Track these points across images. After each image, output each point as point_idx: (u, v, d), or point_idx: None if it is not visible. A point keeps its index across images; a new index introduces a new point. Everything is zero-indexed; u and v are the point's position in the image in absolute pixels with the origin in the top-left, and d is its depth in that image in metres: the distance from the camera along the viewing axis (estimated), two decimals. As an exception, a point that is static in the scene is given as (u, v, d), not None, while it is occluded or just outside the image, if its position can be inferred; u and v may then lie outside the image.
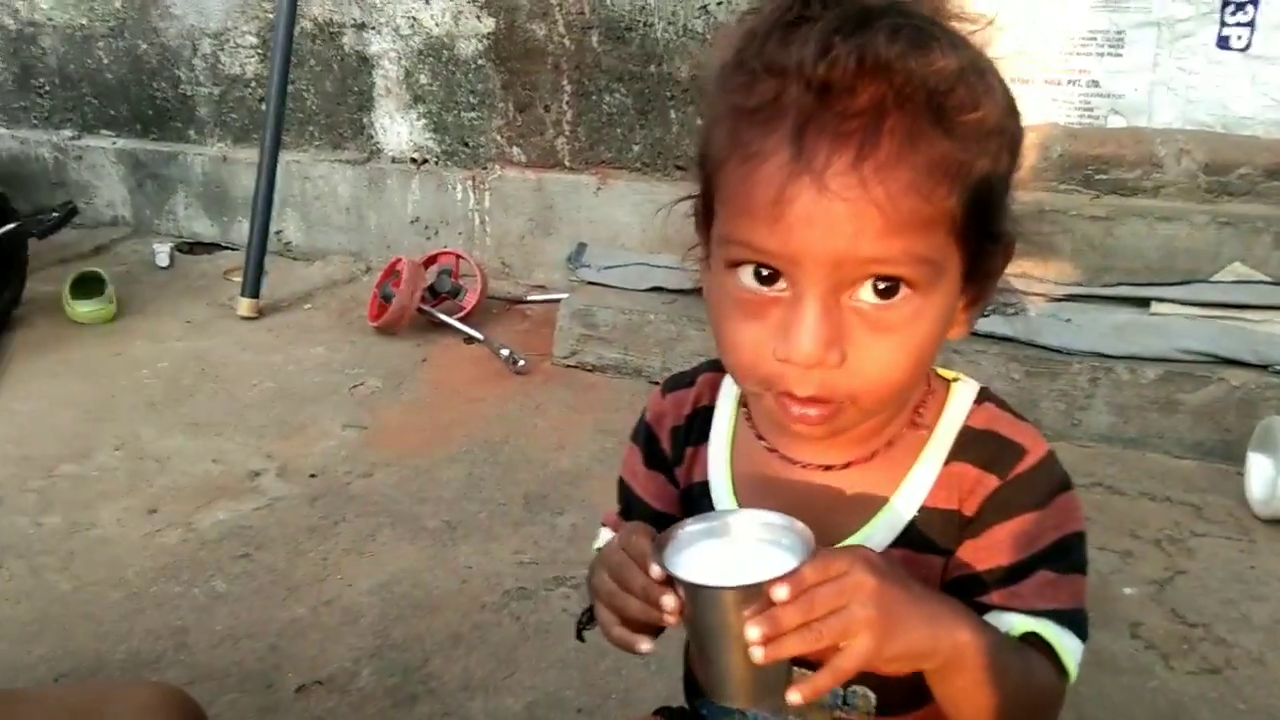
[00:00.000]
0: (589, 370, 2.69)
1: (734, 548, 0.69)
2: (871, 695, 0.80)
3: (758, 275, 0.68)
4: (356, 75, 3.43)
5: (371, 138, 3.47)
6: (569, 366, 2.71)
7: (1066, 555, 0.75)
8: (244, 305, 3.05)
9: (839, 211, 0.62)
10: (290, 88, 3.32)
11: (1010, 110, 0.68)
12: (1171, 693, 1.48)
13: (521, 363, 2.66)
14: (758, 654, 0.62)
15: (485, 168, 3.28)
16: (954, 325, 0.73)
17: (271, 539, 1.92)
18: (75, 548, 1.89)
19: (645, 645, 0.70)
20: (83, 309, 3.03)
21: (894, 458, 0.77)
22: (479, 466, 2.19)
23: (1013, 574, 0.74)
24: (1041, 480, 0.75)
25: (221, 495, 2.08)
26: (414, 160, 3.40)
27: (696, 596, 0.65)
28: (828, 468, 0.78)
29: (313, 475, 2.16)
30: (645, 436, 0.91)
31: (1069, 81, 2.98)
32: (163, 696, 0.97)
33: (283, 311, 3.15)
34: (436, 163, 3.38)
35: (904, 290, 0.66)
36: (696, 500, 0.86)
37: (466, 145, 3.32)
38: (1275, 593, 1.71)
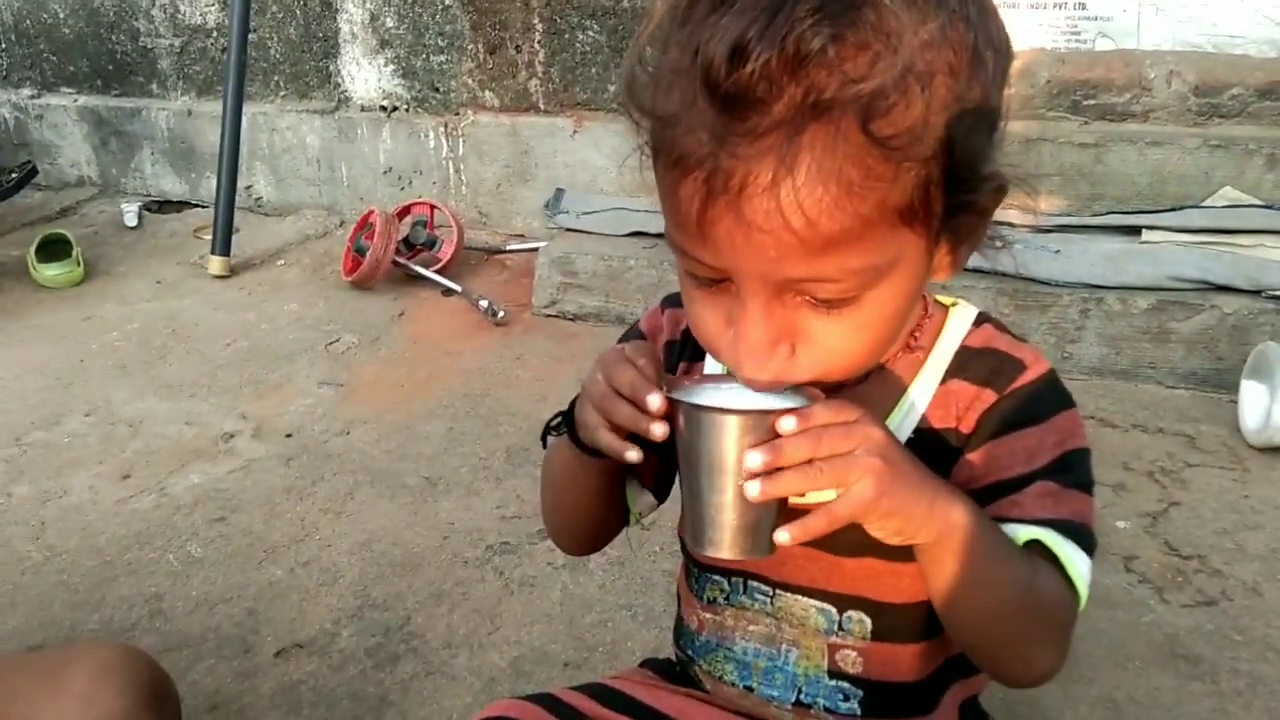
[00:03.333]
0: (570, 319, 2.63)
1: (745, 395, 0.65)
2: (868, 620, 0.79)
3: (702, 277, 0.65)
4: (320, 20, 3.31)
5: (339, 86, 3.36)
6: (549, 316, 2.65)
7: (1068, 470, 0.72)
8: (215, 264, 2.98)
9: (760, 240, 0.58)
10: (252, 36, 3.22)
11: (976, 67, 0.60)
12: (1167, 626, 1.46)
13: (501, 313, 2.60)
14: (754, 488, 0.60)
15: (457, 113, 3.19)
16: (938, 270, 0.68)
17: (247, 501, 1.88)
18: (47, 516, 1.85)
19: (633, 454, 0.68)
20: (49, 272, 2.95)
21: (888, 380, 0.75)
22: (459, 421, 2.15)
23: (1012, 488, 0.71)
24: (1042, 395, 0.72)
25: (195, 458, 2.03)
26: (383, 108, 3.30)
27: (698, 420, 0.62)
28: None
29: (288, 435, 2.11)
30: (637, 338, 0.88)
31: (1055, 4, 2.90)
32: (122, 656, 0.94)
33: (255, 269, 3.08)
34: (407, 110, 3.28)
35: (845, 300, 0.62)
36: None
37: (437, 90, 3.22)
38: (1270, 521, 1.68)
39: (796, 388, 0.66)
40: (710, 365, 0.82)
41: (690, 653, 0.91)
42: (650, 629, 1.50)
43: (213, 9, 3.48)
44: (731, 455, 0.61)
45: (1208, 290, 2.17)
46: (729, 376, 0.69)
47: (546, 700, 0.87)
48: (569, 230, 2.81)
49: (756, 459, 0.60)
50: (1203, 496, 1.76)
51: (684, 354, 0.85)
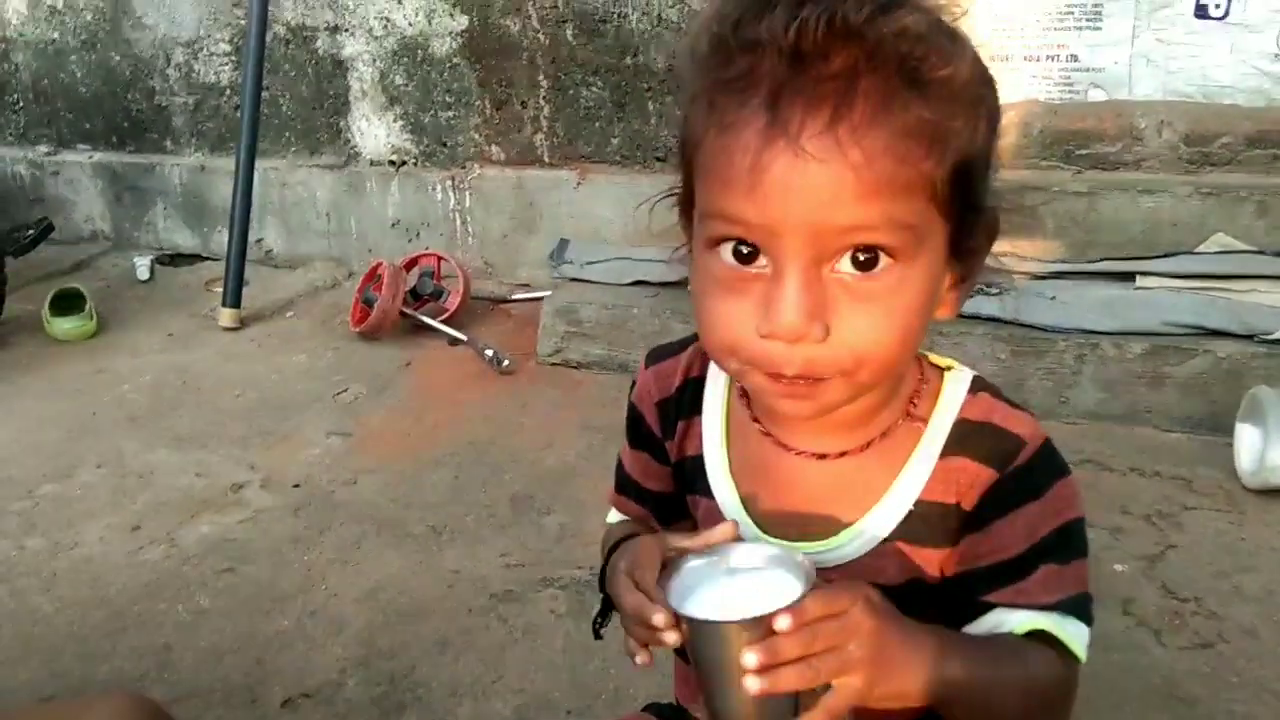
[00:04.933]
0: (574, 367, 2.67)
1: (739, 581, 0.70)
2: None
3: (738, 254, 0.67)
4: (331, 79, 3.40)
5: (349, 141, 3.44)
6: (554, 364, 2.69)
7: (1068, 542, 0.74)
8: (225, 316, 3.03)
9: (815, 175, 0.62)
10: (265, 94, 3.30)
11: (984, 80, 0.67)
12: (1164, 668, 1.47)
13: (506, 362, 2.64)
14: (753, 684, 0.62)
15: (464, 167, 3.26)
16: (941, 305, 0.71)
17: (255, 551, 1.90)
18: (58, 568, 1.88)
19: (641, 658, 0.71)
20: (63, 326, 3.01)
21: (890, 449, 0.76)
22: (465, 469, 2.18)
23: (1016, 568, 0.73)
24: (1040, 470, 0.74)
25: (205, 509, 2.06)
26: (392, 162, 3.38)
27: (700, 632, 0.66)
28: (822, 456, 0.77)
29: (296, 485, 2.14)
30: (630, 415, 0.90)
31: (1048, 57, 2.96)
32: (135, 705, 0.96)
33: (265, 321, 3.13)
34: (415, 164, 3.36)
35: (885, 260, 0.65)
36: (690, 476, 0.85)
37: (444, 145, 3.29)
38: (1266, 563, 1.70)
39: (789, 555, 0.69)
40: (710, 416, 0.83)
41: (698, 716, 0.92)
42: (652, 675, 1.47)
43: (226, 68, 3.58)
44: (733, 658, 0.63)
45: (1202, 335, 2.20)
46: (721, 548, 0.71)
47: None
48: (573, 280, 2.86)
49: (752, 660, 0.61)
50: (1199, 539, 1.78)
51: (680, 411, 0.86)
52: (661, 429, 0.87)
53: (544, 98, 3.11)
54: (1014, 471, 0.74)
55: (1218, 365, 2.14)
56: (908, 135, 0.62)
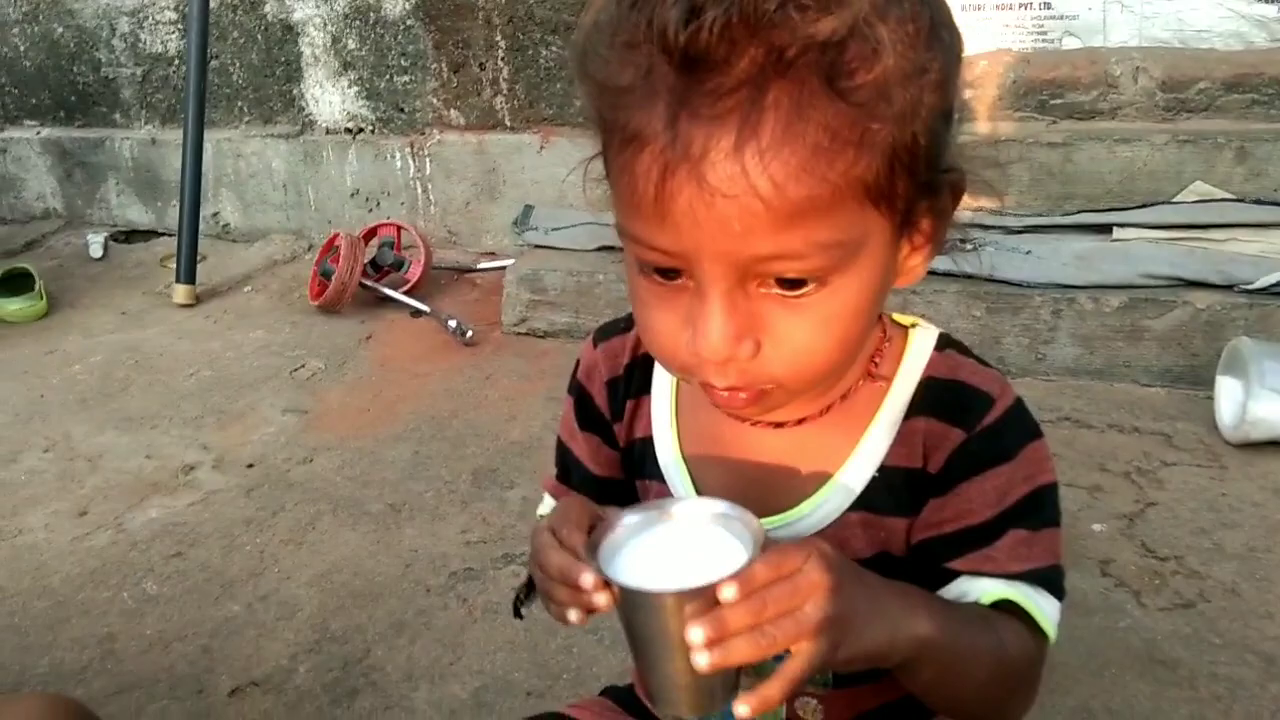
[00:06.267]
0: (540, 336, 2.60)
1: (677, 541, 0.63)
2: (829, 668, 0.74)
3: (659, 271, 0.61)
4: (282, 45, 3.28)
5: (303, 109, 3.33)
6: (519, 334, 2.61)
7: (1040, 510, 0.69)
8: (180, 292, 2.94)
9: (724, 208, 0.54)
10: (214, 62, 3.19)
11: (931, 39, 0.57)
12: (1144, 630, 1.42)
13: (470, 333, 2.57)
14: (702, 660, 0.55)
15: (423, 133, 3.16)
16: (901, 275, 0.65)
17: (205, 535, 1.83)
18: (0, 557, 1.80)
19: (573, 615, 0.63)
20: (11, 307, 2.91)
21: (851, 412, 0.71)
22: (425, 444, 2.10)
23: (984, 534, 0.68)
24: (1010, 430, 0.69)
25: (154, 492, 1.99)
26: (349, 130, 3.27)
27: (634, 601, 0.58)
28: (779, 425, 0.72)
29: (250, 465, 2.06)
30: (578, 394, 0.84)
31: (1021, 5, 2.89)
32: (51, 705, 0.89)
33: (221, 296, 3.03)
34: (373, 131, 3.25)
35: (811, 282, 0.58)
36: (639, 460, 0.80)
37: (402, 111, 3.19)
38: (1247, 519, 1.65)
39: (736, 512, 0.62)
40: (659, 395, 0.79)
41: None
42: (616, 653, 1.45)
43: (173, 37, 3.45)
44: (673, 630, 0.57)
45: (1180, 286, 2.14)
46: (660, 504, 0.65)
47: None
48: (538, 247, 2.78)
49: (699, 635, 0.55)
50: (1180, 496, 1.73)
51: (629, 390, 0.80)
52: (610, 410, 0.82)
53: (502, 59, 3.00)
54: (983, 431, 0.69)
55: (1197, 317, 2.09)
56: (830, 146, 0.54)
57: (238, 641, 1.55)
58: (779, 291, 0.58)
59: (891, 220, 0.59)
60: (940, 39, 0.58)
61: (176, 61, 3.47)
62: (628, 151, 0.56)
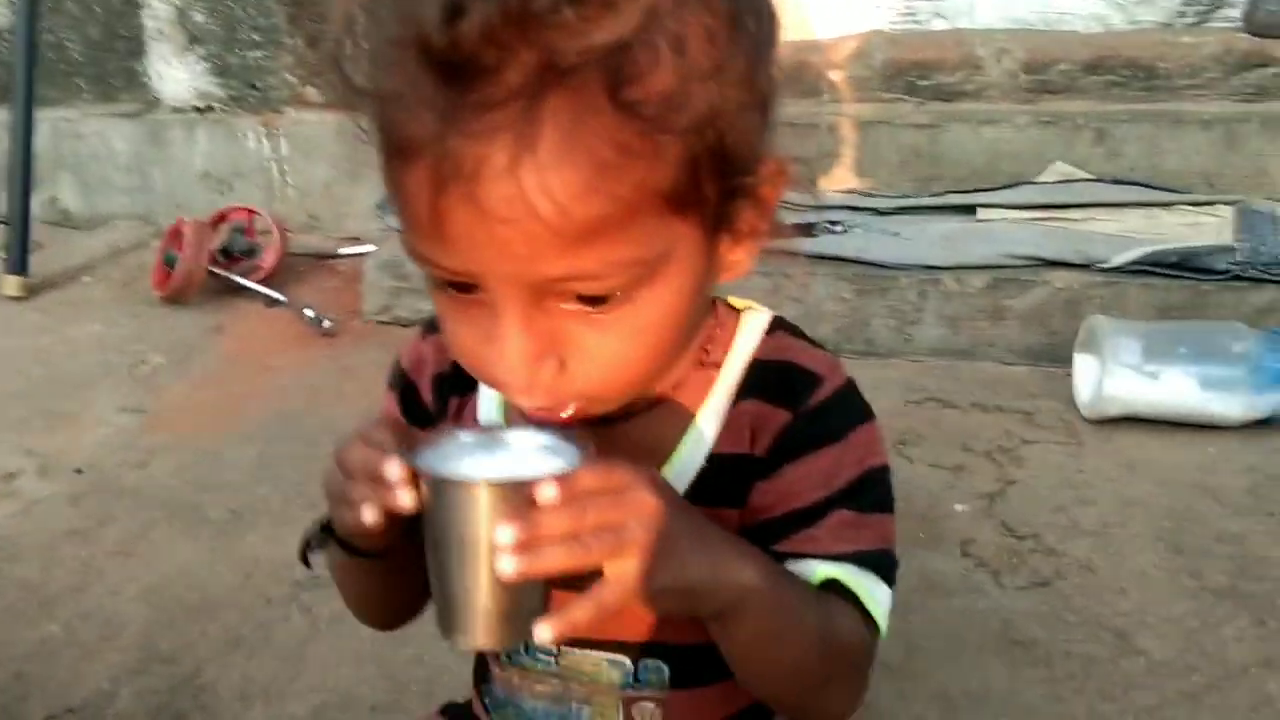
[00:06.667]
0: (404, 325, 2.48)
1: (502, 461, 0.57)
2: (665, 668, 0.71)
3: (450, 283, 0.55)
4: (122, 18, 3.06)
5: (146, 86, 3.11)
6: (382, 323, 2.49)
7: (868, 492, 0.66)
8: (10, 284, 2.71)
9: (503, 233, 0.49)
10: (48, 36, 2.96)
11: (736, 33, 0.52)
12: (1002, 610, 1.42)
13: (327, 323, 2.44)
14: (508, 564, 0.51)
15: (278, 111, 2.99)
16: (725, 270, 0.61)
17: (24, 549, 1.67)
18: None
19: (369, 515, 0.56)
20: None
21: (680, 402, 0.67)
22: (274, 444, 1.98)
23: (809, 517, 0.65)
24: (838, 411, 0.67)
25: (-31, 503, 1.82)
26: (198, 109, 3.08)
27: (442, 494, 0.53)
28: (607, 420, 0.66)
29: (78, 470, 1.90)
30: (402, 386, 0.78)
31: (891, -15, 2.91)
32: None
33: (57, 287, 2.82)
34: (224, 109, 3.06)
35: (617, 296, 0.54)
36: None
37: (255, 88, 3.01)
38: (1102, 495, 1.68)
39: (568, 434, 0.57)
40: (485, 396, 0.73)
41: (486, 701, 0.83)
42: (469, 661, 1.37)
43: (3, 10, 3.18)
44: (483, 531, 0.51)
45: (1041, 266, 2.18)
46: (491, 428, 0.62)
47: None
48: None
49: (508, 534, 0.50)
50: (1039, 473, 1.75)
51: (456, 386, 0.75)
52: (435, 406, 0.76)
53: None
54: (809, 411, 0.66)
55: (1056, 296, 2.12)
56: (616, 162, 0.49)
57: (54, 665, 1.42)
58: (580, 307, 0.54)
59: (702, 225, 0.55)
60: (745, 28, 0.53)
61: (5, 35, 3.19)
62: (398, 162, 0.52)
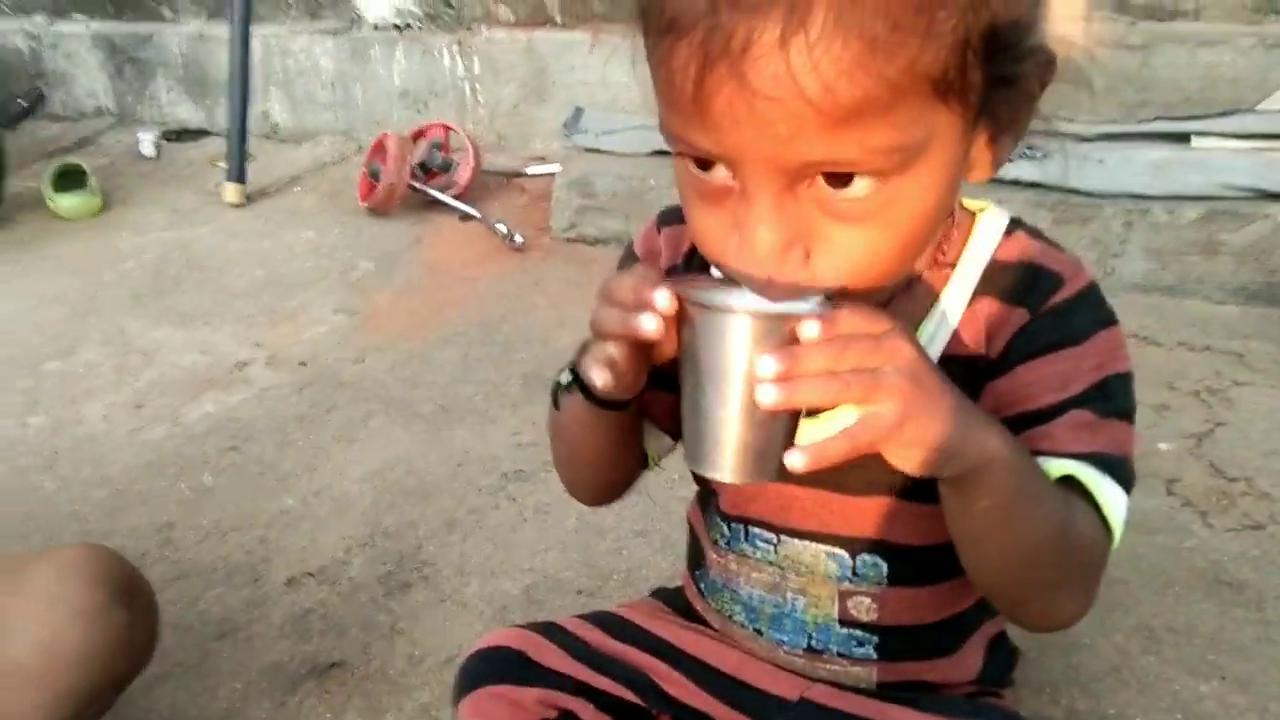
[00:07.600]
0: (590, 243, 2.56)
1: (762, 301, 0.57)
2: (883, 564, 0.73)
3: (703, 165, 0.56)
4: (329, -63, 3.20)
5: (350, 3, 3.25)
6: (569, 240, 2.57)
7: (1108, 397, 0.64)
8: (230, 192, 2.93)
9: (767, 111, 0.49)
10: (260, -47, 3.11)
11: None
12: (1210, 551, 1.38)
13: (519, 239, 2.53)
14: (767, 393, 0.52)
15: (470, 29, 3.07)
16: (975, 168, 0.60)
17: (260, 430, 1.84)
18: (60, 446, 1.83)
19: (601, 377, 0.60)
20: (65, 203, 2.92)
21: (914, 301, 0.67)
22: (475, 348, 2.09)
23: (1042, 418, 0.64)
24: (1080, 312, 0.64)
25: (209, 387, 2.00)
26: (396, 26, 3.19)
27: (707, 321, 0.54)
28: None
29: (302, 363, 2.07)
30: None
31: (1104, -103, 2.71)
32: (90, 554, 0.92)
33: (271, 196, 3.02)
34: (420, 27, 3.17)
35: (871, 181, 0.53)
36: None
37: (450, 5, 3.10)
38: (1324, 442, 1.59)
39: (820, 296, 0.58)
40: None
41: (701, 586, 0.86)
42: (666, 556, 1.45)
43: (218, -72, 3.38)
44: (743, 362, 0.53)
45: (1261, 199, 2.04)
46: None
47: (551, 629, 0.83)
48: (588, 151, 2.72)
49: (770, 365, 0.51)
50: (1251, 416, 1.67)
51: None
52: None
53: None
54: (1049, 312, 0.64)
55: (1277, 231, 1.99)
56: (890, 38, 0.48)
57: (293, 534, 1.57)
58: (831, 192, 0.54)
59: (964, 115, 0.54)
60: None
61: (222, -46, 3.39)
62: (664, 42, 0.52)
